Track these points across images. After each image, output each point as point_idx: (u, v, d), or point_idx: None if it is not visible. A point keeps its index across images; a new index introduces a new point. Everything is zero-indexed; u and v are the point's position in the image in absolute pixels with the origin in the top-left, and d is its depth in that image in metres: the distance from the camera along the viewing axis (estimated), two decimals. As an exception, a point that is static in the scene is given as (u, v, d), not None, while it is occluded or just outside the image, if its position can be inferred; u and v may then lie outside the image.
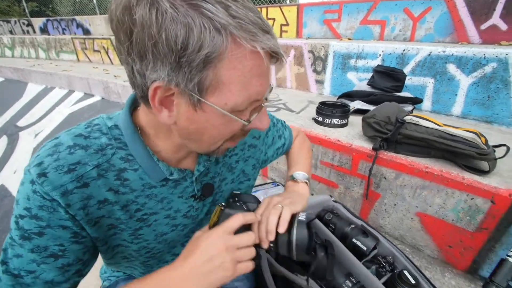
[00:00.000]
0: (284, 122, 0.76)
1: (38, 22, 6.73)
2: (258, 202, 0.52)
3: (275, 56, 0.35)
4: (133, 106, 0.45)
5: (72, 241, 0.39)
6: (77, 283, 0.43)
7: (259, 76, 0.35)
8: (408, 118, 1.10)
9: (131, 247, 0.48)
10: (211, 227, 0.42)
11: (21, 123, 4.12)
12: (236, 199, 0.50)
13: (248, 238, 0.41)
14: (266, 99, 0.40)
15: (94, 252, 0.45)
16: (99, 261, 0.75)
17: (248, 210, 0.47)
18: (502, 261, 0.85)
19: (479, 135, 1.01)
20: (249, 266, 0.41)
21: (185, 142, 0.42)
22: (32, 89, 4.69)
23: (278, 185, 1.64)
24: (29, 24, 7.06)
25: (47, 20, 6.46)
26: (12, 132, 3.98)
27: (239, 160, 0.61)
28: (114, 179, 0.41)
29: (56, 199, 0.36)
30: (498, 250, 1.00)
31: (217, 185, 0.56)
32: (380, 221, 1.30)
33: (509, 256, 0.83)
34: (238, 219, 0.41)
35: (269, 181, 1.74)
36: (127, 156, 0.42)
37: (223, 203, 0.46)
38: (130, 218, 0.45)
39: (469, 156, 0.97)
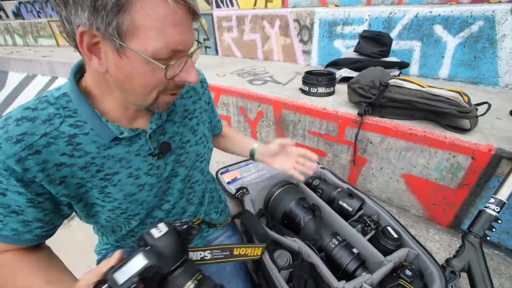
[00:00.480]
0: None
1: (10, 5, 6.30)
2: (174, 256, 0.40)
3: (192, 10, 0.38)
4: (80, 73, 0.49)
5: (28, 205, 0.45)
6: (42, 236, 0.49)
7: (176, 26, 0.38)
8: (392, 81, 1.10)
9: (105, 207, 0.52)
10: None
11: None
12: (142, 245, 0.39)
13: None
14: (192, 54, 0.43)
15: (57, 214, 0.50)
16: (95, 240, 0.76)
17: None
18: (480, 212, 0.89)
19: (461, 94, 1.01)
20: None
21: (123, 95, 0.45)
22: (13, 78, 4.51)
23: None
24: (1, 9, 6.61)
25: (20, 3, 6.04)
26: (-2, 123, 3.88)
27: (199, 123, 0.66)
28: (65, 145, 0.45)
29: (11, 166, 0.41)
30: (478, 204, 1.05)
31: (178, 145, 0.59)
32: (368, 185, 1.34)
33: (486, 207, 0.87)
34: None
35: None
36: (76, 123, 0.46)
37: (108, 275, 0.35)
38: (92, 177, 0.48)
39: (451, 115, 0.98)
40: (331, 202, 0.98)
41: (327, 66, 1.79)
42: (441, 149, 1.03)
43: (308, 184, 1.08)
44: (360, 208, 0.95)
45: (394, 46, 1.70)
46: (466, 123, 1.02)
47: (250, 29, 2.45)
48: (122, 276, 0.35)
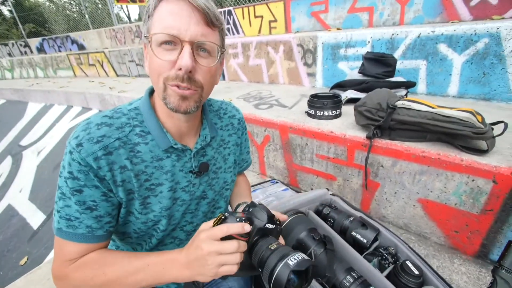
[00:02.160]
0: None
1: (34, 42, 6.83)
2: (269, 217, 0.53)
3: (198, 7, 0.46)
4: (152, 92, 0.59)
5: (102, 198, 0.51)
6: (110, 232, 0.55)
7: (173, 14, 0.46)
8: (399, 103, 1.07)
9: (140, 219, 0.57)
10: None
11: (24, 142, 4.17)
12: (247, 208, 0.54)
13: (231, 246, 0.45)
14: (194, 43, 0.48)
15: (118, 211, 0.56)
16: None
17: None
18: (510, 243, 0.81)
19: (474, 113, 0.97)
20: (232, 269, 0.46)
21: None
22: (32, 108, 4.76)
23: (276, 182, 1.62)
24: (26, 45, 7.16)
25: (43, 40, 6.55)
26: (16, 151, 4.03)
27: (230, 153, 0.72)
28: (129, 151, 0.53)
29: (89, 163, 0.48)
30: (506, 232, 0.96)
31: (213, 169, 0.67)
32: (382, 210, 1.27)
33: (516, 236, 0.80)
34: (222, 230, 0.45)
35: (267, 179, 1.71)
36: (141, 132, 0.54)
37: (226, 213, 0.49)
38: (140, 187, 0.55)
39: (466, 136, 0.94)
40: (344, 232, 0.92)
41: (332, 87, 1.79)
42: (458, 172, 0.98)
43: (318, 212, 1.02)
44: (375, 239, 0.89)
45: (399, 65, 1.69)
46: (482, 144, 0.96)
47: (255, 54, 2.52)
48: (235, 214, 0.49)
